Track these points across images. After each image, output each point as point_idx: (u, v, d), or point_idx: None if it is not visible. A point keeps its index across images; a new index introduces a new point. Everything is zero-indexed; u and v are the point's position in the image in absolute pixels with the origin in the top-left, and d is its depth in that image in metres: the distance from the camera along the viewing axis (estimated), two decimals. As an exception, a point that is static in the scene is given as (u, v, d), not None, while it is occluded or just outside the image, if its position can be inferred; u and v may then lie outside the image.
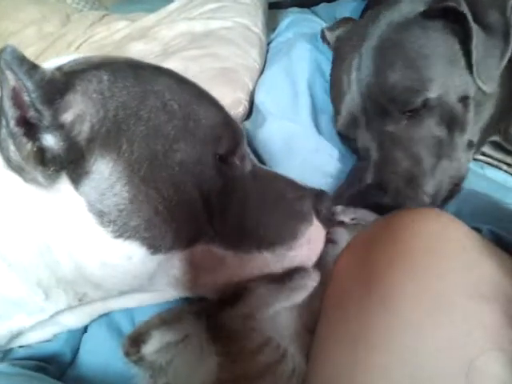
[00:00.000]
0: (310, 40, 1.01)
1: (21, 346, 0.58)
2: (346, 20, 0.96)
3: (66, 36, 1.37)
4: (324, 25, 1.19)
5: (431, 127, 0.68)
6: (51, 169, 0.41)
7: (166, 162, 0.44)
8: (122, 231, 0.43)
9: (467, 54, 0.66)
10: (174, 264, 0.48)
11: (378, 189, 0.67)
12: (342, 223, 0.61)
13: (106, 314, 0.62)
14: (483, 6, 0.65)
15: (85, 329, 0.63)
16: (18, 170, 0.42)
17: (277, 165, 0.80)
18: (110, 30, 1.35)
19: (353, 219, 0.61)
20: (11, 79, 0.38)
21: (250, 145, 0.88)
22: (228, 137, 0.50)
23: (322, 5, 1.35)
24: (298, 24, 1.19)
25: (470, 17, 0.64)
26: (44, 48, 1.32)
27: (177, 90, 0.48)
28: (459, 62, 0.67)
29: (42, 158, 0.41)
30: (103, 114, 0.42)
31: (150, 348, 0.49)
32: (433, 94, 0.66)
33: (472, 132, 0.69)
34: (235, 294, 0.48)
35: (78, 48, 1.33)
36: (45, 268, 0.45)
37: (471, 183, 0.72)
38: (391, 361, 0.39)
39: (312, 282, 0.51)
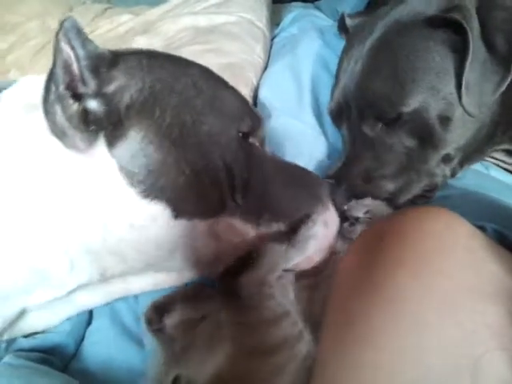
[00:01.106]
0: (316, 35, 1.01)
1: (25, 337, 0.59)
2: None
3: (68, 29, 1.37)
4: (327, 20, 1.19)
5: (402, 138, 0.67)
6: (91, 128, 0.45)
7: (193, 130, 0.49)
8: (150, 191, 0.46)
9: (462, 75, 0.62)
10: (195, 235, 0.50)
11: (336, 182, 0.67)
12: (356, 219, 0.61)
13: (109, 308, 0.63)
14: (495, 26, 0.62)
15: (88, 322, 0.63)
16: (60, 134, 0.45)
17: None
18: (113, 24, 1.35)
19: (366, 212, 0.61)
20: (66, 47, 0.42)
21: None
22: (250, 118, 0.55)
23: (325, -1, 1.34)
24: (301, 19, 1.19)
25: (470, 33, 0.60)
26: (47, 41, 1.32)
27: (206, 75, 0.54)
28: (450, 80, 0.64)
29: (85, 119, 0.45)
30: (141, 86, 0.48)
31: (171, 321, 0.51)
32: (408, 108, 0.64)
33: (450, 148, 0.67)
34: (246, 259, 0.49)
35: (81, 41, 1.32)
36: (74, 234, 0.47)
37: (474, 183, 0.72)
38: (399, 361, 0.39)
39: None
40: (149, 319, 0.50)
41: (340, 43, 0.84)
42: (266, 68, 1.04)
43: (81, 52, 0.42)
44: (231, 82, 0.95)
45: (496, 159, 0.79)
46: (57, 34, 0.42)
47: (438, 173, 0.69)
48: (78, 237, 0.47)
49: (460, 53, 0.62)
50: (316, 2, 1.34)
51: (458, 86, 0.63)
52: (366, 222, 0.60)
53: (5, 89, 0.54)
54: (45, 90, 0.44)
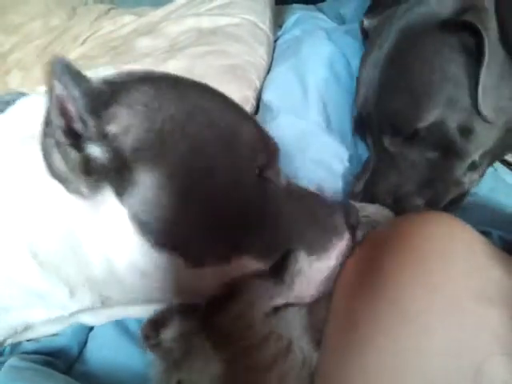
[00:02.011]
0: (322, 35, 1.00)
1: (28, 340, 0.59)
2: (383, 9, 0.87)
3: (71, 29, 1.37)
4: (330, 22, 1.19)
5: (424, 151, 0.66)
6: (95, 178, 0.41)
7: (208, 178, 0.45)
8: (163, 243, 0.43)
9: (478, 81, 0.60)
10: (206, 279, 0.48)
11: (366, 199, 0.67)
12: None
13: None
14: None
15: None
16: (60, 179, 0.42)
17: (288, 162, 0.80)
18: (117, 25, 1.35)
19: (365, 216, 0.61)
20: (59, 88, 0.38)
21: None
22: (265, 151, 0.50)
23: (328, 1, 1.34)
24: (305, 21, 1.19)
25: (485, 38, 0.58)
26: (50, 41, 1.32)
27: (222, 108, 0.48)
28: (466, 89, 0.62)
29: (87, 167, 0.41)
30: (148, 126, 0.43)
31: (169, 334, 0.50)
32: (425, 124, 0.63)
33: (475, 156, 0.65)
34: (227, 294, 0.48)
35: (84, 42, 1.32)
36: (76, 268, 0.45)
37: (488, 186, 0.72)
38: (401, 364, 0.39)
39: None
40: (146, 335, 0.50)
41: (347, 43, 0.84)
42: (269, 70, 1.04)
43: (75, 91, 0.38)
44: (234, 84, 0.96)
45: (504, 161, 0.78)
46: (48, 75, 0.38)
47: (465, 181, 0.67)
48: (79, 270, 0.46)
49: (477, 56, 0.60)
50: (318, 4, 1.34)
51: (476, 93, 0.61)
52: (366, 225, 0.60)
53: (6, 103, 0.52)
54: (42, 134, 0.41)
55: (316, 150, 0.82)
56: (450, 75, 0.62)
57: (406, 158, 0.67)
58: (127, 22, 1.34)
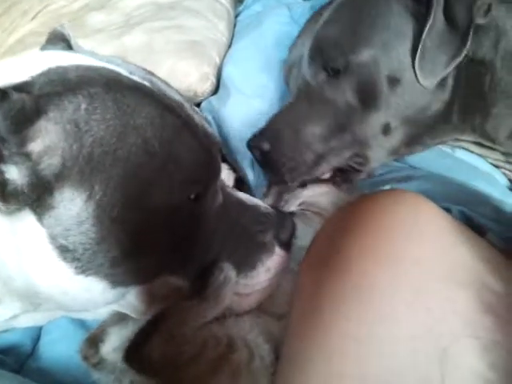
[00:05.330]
0: (282, 12, 0.98)
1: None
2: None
3: (21, 3, 1.28)
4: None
5: (346, 91, 0.64)
6: (12, 205, 0.38)
7: (139, 205, 0.42)
8: (85, 268, 0.41)
9: (419, 41, 0.62)
10: (132, 294, 0.47)
11: (260, 135, 0.66)
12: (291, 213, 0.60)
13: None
14: None
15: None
16: None
17: (239, 144, 0.78)
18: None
19: (301, 204, 0.60)
20: None
21: (215, 121, 0.85)
22: (205, 176, 0.48)
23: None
24: (266, -4, 1.15)
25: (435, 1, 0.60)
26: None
27: (159, 125, 0.43)
28: (406, 42, 0.63)
29: (3, 189, 0.37)
30: (77, 150, 0.38)
31: (108, 346, 0.49)
32: (357, 58, 0.63)
33: (393, 117, 0.65)
34: (153, 320, 0.46)
35: (34, 18, 1.24)
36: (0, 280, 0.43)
37: (436, 162, 0.71)
38: (367, 352, 0.38)
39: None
40: (85, 356, 0.49)
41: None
42: (230, 47, 1.01)
43: None
44: (193, 60, 0.92)
45: (464, 149, 0.77)
46: None
47: (372, 144, 0.67)
48: (6, 287, 0.44)
49: (421, 21, 0.62)
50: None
51: (413, 50, 0.62)
52: (304, 214, 0.59)
53: None
54: None
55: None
56: (392, 24, 0.64)
57: (325, 95, 0.66)
58: (80, -4, 1.27)
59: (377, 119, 0.65)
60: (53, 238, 0.39)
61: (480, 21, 0.62)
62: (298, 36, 0.76)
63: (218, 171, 0.50)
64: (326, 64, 0.65)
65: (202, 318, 0.48)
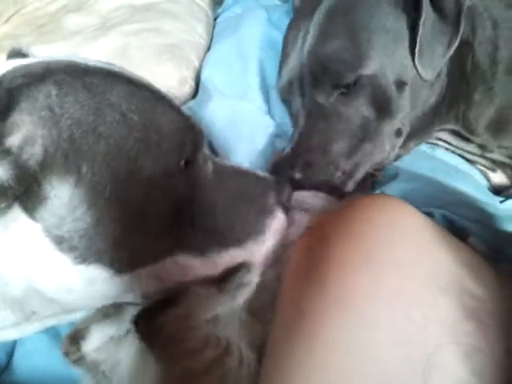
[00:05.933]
0: (261, 14, 0.96)
1: None
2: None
3: (-7, 6, 1.26)
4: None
5: (360, 106, 0.65)
6: (2, 202, 0.36)
7: (131, 180, 0.41)
8: (85, 256, 0.40)
9: (414, 37, 0.62)
10: (140, 281, 0.45)
11: (293, 160, 0.65)
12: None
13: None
14: None
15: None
16: None
17: (223, 146, 0.77)
18: (43, 1, 1.24)
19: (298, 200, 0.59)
20: None
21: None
22: (190, 140, 0.47)
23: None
24: (246, -2, 1.14)
25: None
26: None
27: (133, 98, 0.43)
28: (403, 42, 0.64)
29: None
30: (57, 134, 0.38)
31: (90, 345, 0.47)
32: (367, 71, 0.63)
33: (403, 119, 0.66)
34: (172, 296, 0.46)
35: (7, 20, 1.22)
36: None
37: (420, 163, 0.71)
38: (349, 360, 0.37)
39: (255, 277, 0.49)
40: (65, 352, 0.47)
41: (287, 22, 0.80)
42: (208, 50, 0.99)
43: None
44: (171, 63, 0.91)
45: (441, 140, 0.78)
46: None
47: (388, 149, 0.67)
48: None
49: (411, 15, 0.63)
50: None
51: (411, 48, 0.63)
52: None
53: None
54: None
55: (252, 132, 0.78)
56: (388, 25, 0.64)
57: (340, 113, 0.65)
58: (55, -2, 1.24)
59: (390, 125, 0.66)
60: (47, 230, 0.38)
61: (468, 3, 0.63)
62: (284, 55, 0.74)
63: (201, 135, 0.50)
64: (336, 82, 0.64)
65: (213, 309, 0.47)
